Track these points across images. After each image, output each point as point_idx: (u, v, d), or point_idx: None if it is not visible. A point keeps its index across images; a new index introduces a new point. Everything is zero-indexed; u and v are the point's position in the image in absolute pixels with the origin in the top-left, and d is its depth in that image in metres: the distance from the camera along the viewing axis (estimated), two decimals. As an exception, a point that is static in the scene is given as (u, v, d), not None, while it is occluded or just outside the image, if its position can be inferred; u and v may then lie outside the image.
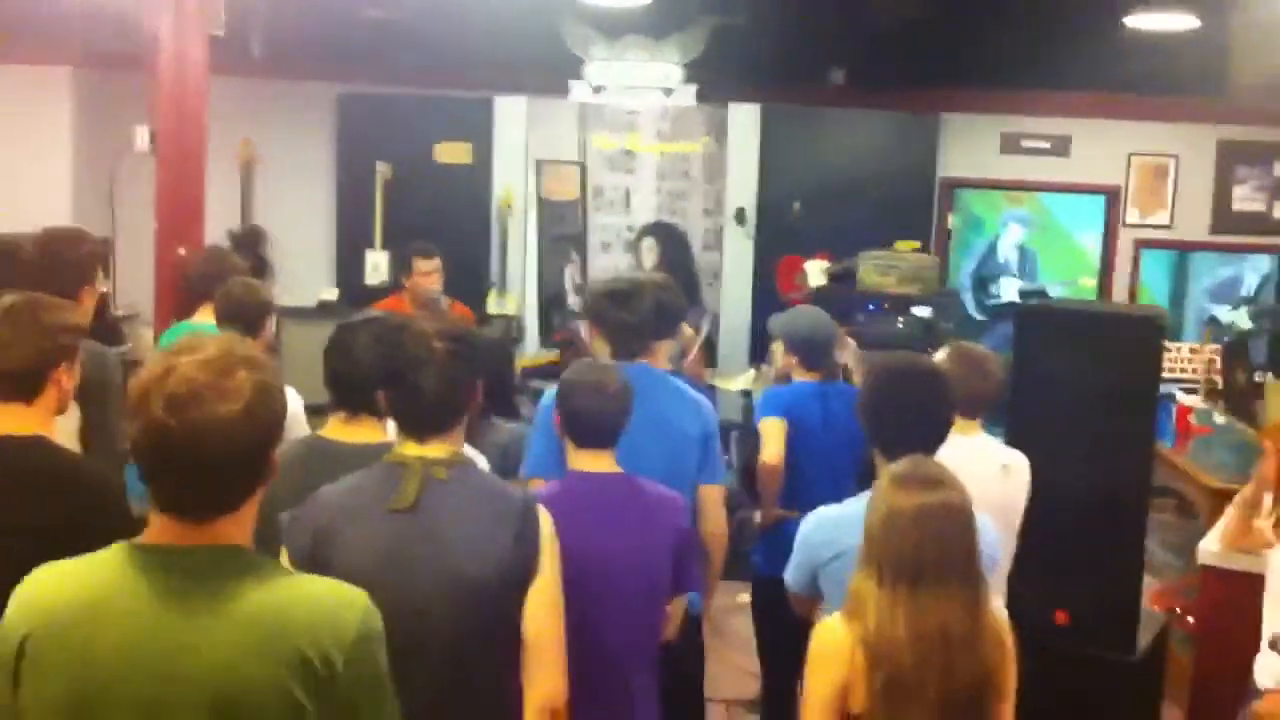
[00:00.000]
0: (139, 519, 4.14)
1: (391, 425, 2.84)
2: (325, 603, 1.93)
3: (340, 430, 3.12)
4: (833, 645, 2.61)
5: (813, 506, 3.35)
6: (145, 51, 5.70)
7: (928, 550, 2.56)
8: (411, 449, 2.66)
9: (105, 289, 4.42)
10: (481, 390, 2.84)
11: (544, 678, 2.60)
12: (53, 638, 1.87)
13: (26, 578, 1.96)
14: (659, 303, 4.23)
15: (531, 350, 8.88)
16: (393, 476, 2.60)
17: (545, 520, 2.66)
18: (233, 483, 1.92)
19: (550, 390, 3.75)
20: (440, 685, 2.52)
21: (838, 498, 3.29)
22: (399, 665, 2.43)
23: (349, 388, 3.11)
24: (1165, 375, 8.49)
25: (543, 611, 2.60)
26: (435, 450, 2.64)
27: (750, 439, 7.17)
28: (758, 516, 4.81)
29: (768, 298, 8.48)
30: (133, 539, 1.95)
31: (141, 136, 5.82)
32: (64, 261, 4.22)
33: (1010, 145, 8.96)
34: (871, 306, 7.82)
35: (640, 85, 8.26)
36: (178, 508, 1.91)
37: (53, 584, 1.93)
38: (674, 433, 3.94)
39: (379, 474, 2.63)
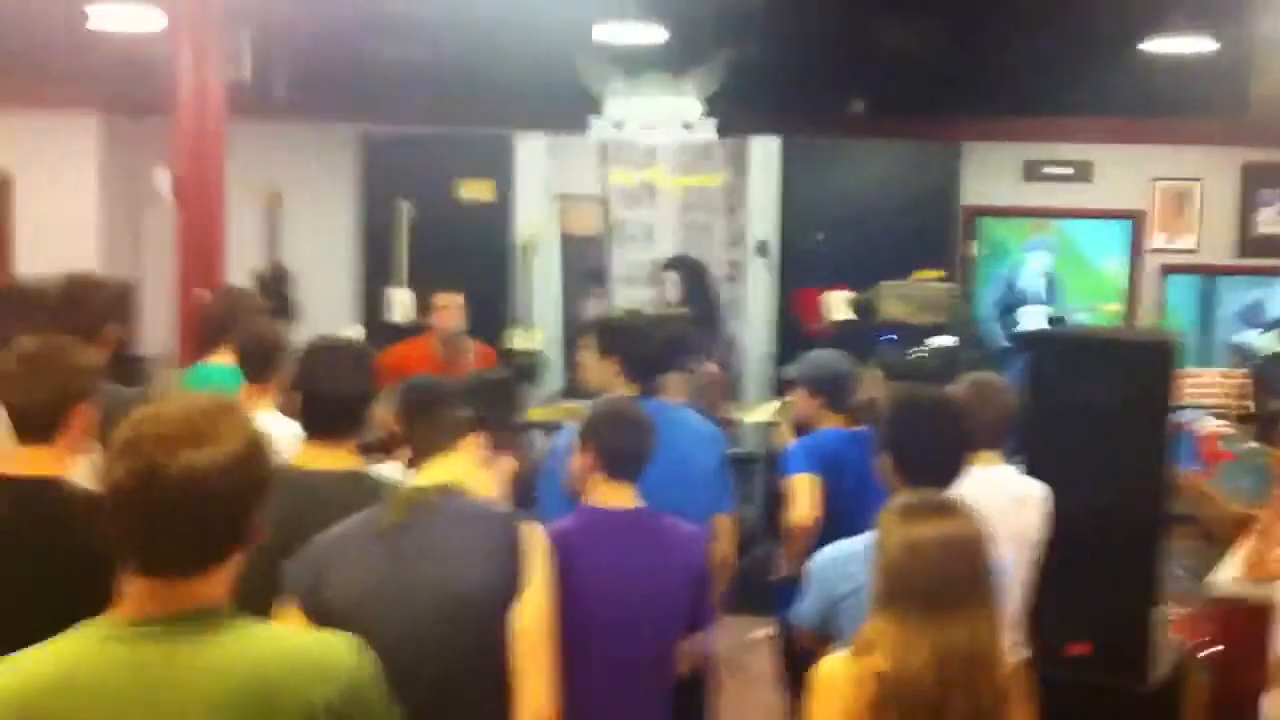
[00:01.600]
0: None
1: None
2: (311, 655, 1.91)
3: (315, 458, 3.11)
4: (835, 681, 2.59)
5: None
6: (168, 96, 5.79)
7: (953, 574, 2.55)
8: (424, 478, 2.75)
9: (124, 332, 4.47)
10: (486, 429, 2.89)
11: (531, 698, 2.61)
12: None
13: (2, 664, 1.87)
14: (671, 337, 4.26)
15: (554, 387, 8.90)
16: (381, 504, 2.68)
17: (536, 536, 2.70)
18: (217, 531, 1.87)
19: (561, 434, 3.79)
20: (436, 701, 2.54)
21: None
22: (394, 683, 2.50)
23: (325, 410, 3.11)
24: (1194, 401, 8.49)
25: (531, 631, 2.62)
26: (437, 476, 2.72)
27: (772, 474, 7.14)
28: (780, 568, 4.68)
29: (790, 329, 8.49)
30: (107, 614, 1.89)
31: (163, 180, 5.90)
32: (85, 305, 4.28)
33: (1032, 172, 8.94)
34: (893, 337, 7.79)
35: (659, 120, 8.30)
36: (157, 563, 1.84)
37: (31, 672, 1.84)
38: (693, 467, 3.95)
39: (376, 508, 2.70)
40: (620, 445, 3.35)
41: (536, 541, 2.70)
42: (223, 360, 4.78)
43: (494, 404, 3.98)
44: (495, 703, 2.60)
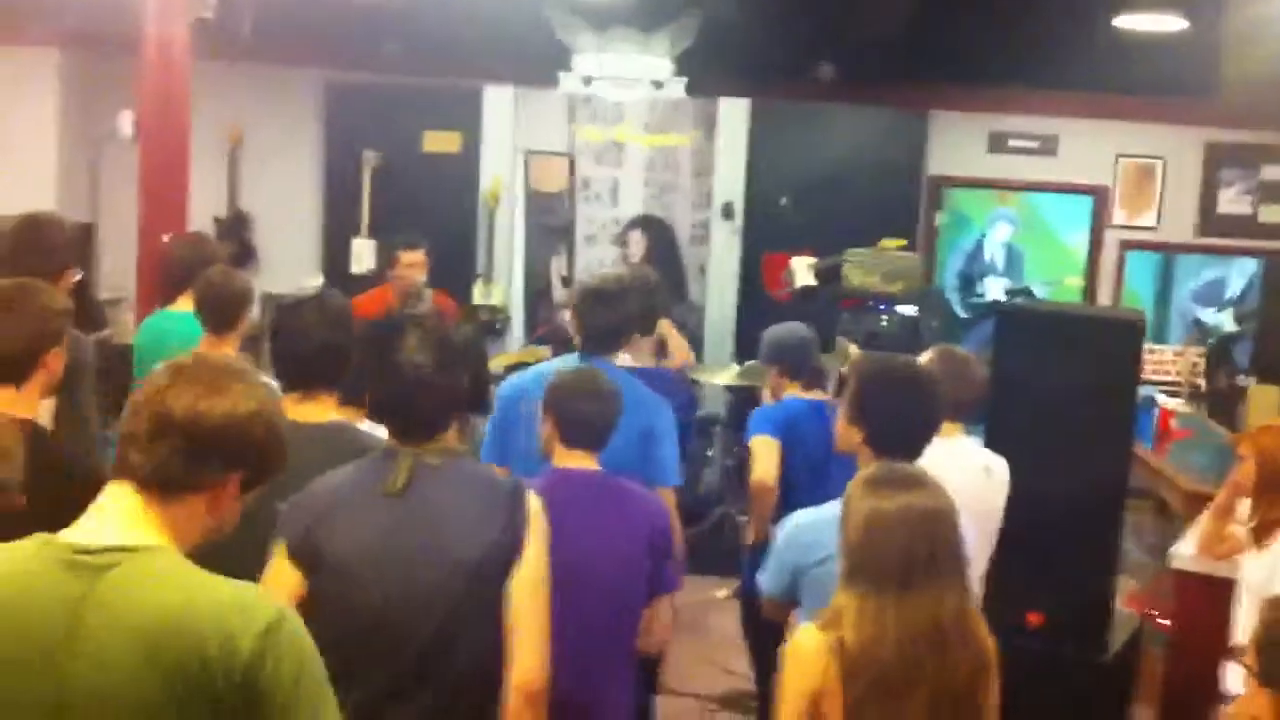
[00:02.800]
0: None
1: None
2: (232, 608, 1.86)
3: (295, 411, 3.04)
4: (806, 654, 2.59)
5: None
6: (131, 34, 5.68)
7: (919, 548, 2.55)
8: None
9: (82, 274, 4.40)
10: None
11: (524, 658, 2.62)
12: None
13: None
14: (643, 304, 4.27)
15: (517, 343, 8.88)
16: (385, 465, 2.65)
17: (534, 502, 2.70)
18: (208, 461, 1.93)
19: (508, 383, 3.80)
20: (430, 662, 2.57)
21: None
22: (391, 645, 2.54)
23: (300, 366, 3.10)
24: (1148, 377, 8.59)
25: (526, 593, 2.62)
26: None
27: (733, 436, 7.17)
28: (747, 533, 4.73)
29: (753, 292, 8.50)
30: (51, 534, 1.91)
31: (126, 121, 5.79)
32: (43, 247, 4.21)
33: (998, 144, 8.97)
34: (854, 304, 7.82)
35: (629, 77, 8.25)
36: (140, 471, 1.91)
37: None
38: (635, 430, 3.95)
39: (372, 463, 2.68)
40: (583, 417, 3.38)
41: (536, 508, 2.69)
42: (184, 308, 4.72)
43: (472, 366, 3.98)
44: (489, 666, 2.61)
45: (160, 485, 1.91)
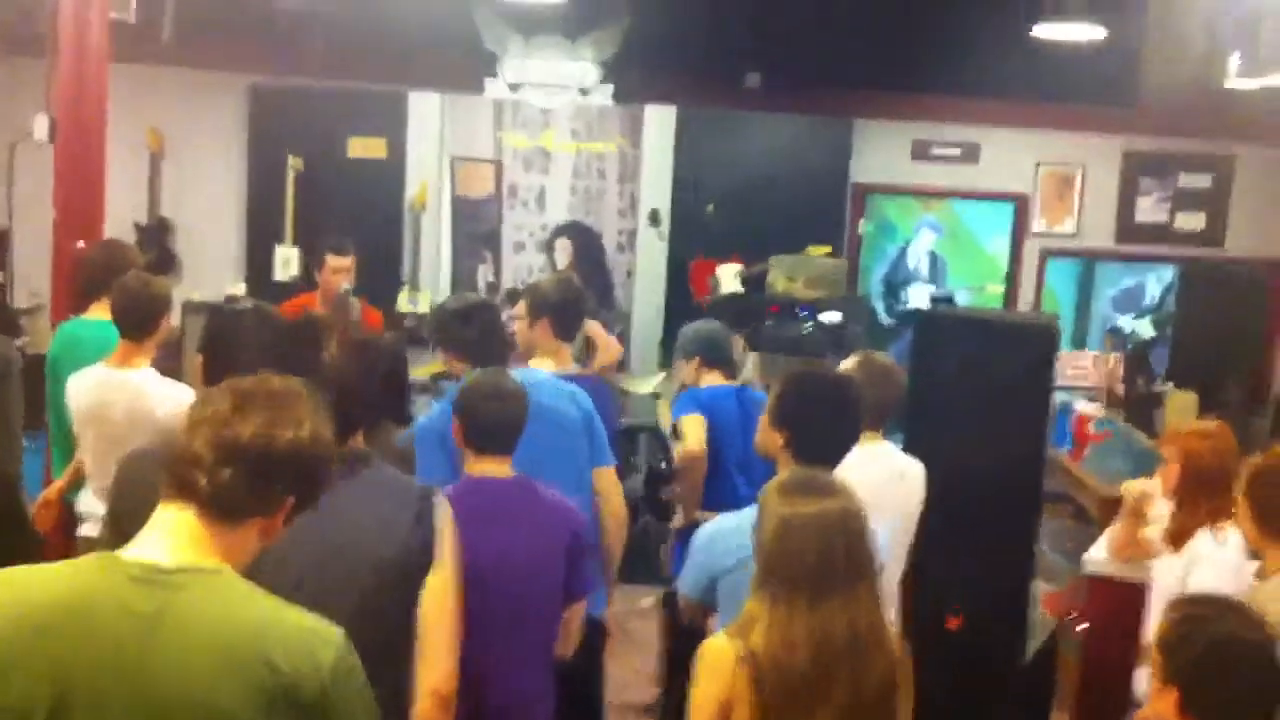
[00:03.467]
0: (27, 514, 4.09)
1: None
2: (302, 633, 1.93)
3: None
4: (717, 661, 2.59)
5: (735, 508, 3.32)
6: (47, 34, 5.60)
7: (833, 555, 2.56)
8: None
9: None
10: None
11: (435, 662, 2.62)
12: (26, 647, 1.82)
13: None
14: (566, 303, 4.32)
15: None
16: None
17: (444, 508, 2.69)
18: (272, 487, 1.96)
19: (434, 408, 3.79)
20: None
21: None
22: None
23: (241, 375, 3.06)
24: (1067, 383, 8.71)
25: (437, 598, 2.62)
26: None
27: (657, 442, 7.20)
28: (677, 518, 4.81)
29: (680, 300, 8.51)
30: (113, 550, 1.92)
31: (41, 124, 5.69)
32: None
33: (921, 151, 9.06)
34: (779, 311, 7.87)
35: (556, 84, 8.25)
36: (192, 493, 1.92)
37: (26, 589, 1.88)
38: (557, 422, 3.96)
39: None
40: (487, 420, 3.36)
41: (445, 513, 2.68)
42: (100, 315, 4.64)
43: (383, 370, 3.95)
44: (400, 673, 2.59)
45: (223, 510, 1.93)
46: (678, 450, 4.84)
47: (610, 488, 4.11)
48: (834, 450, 3.15)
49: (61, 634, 1.83)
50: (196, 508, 1.92)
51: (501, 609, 3.23)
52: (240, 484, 1.92)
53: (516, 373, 3.98)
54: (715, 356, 4.96)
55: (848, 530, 2.60)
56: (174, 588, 1.87)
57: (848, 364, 4.03)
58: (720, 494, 4.48)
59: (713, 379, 4.92)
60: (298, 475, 1.97)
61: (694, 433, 4.67)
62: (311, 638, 1.92)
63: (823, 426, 3.20)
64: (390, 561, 2.57)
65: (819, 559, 2.56)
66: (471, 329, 4.08)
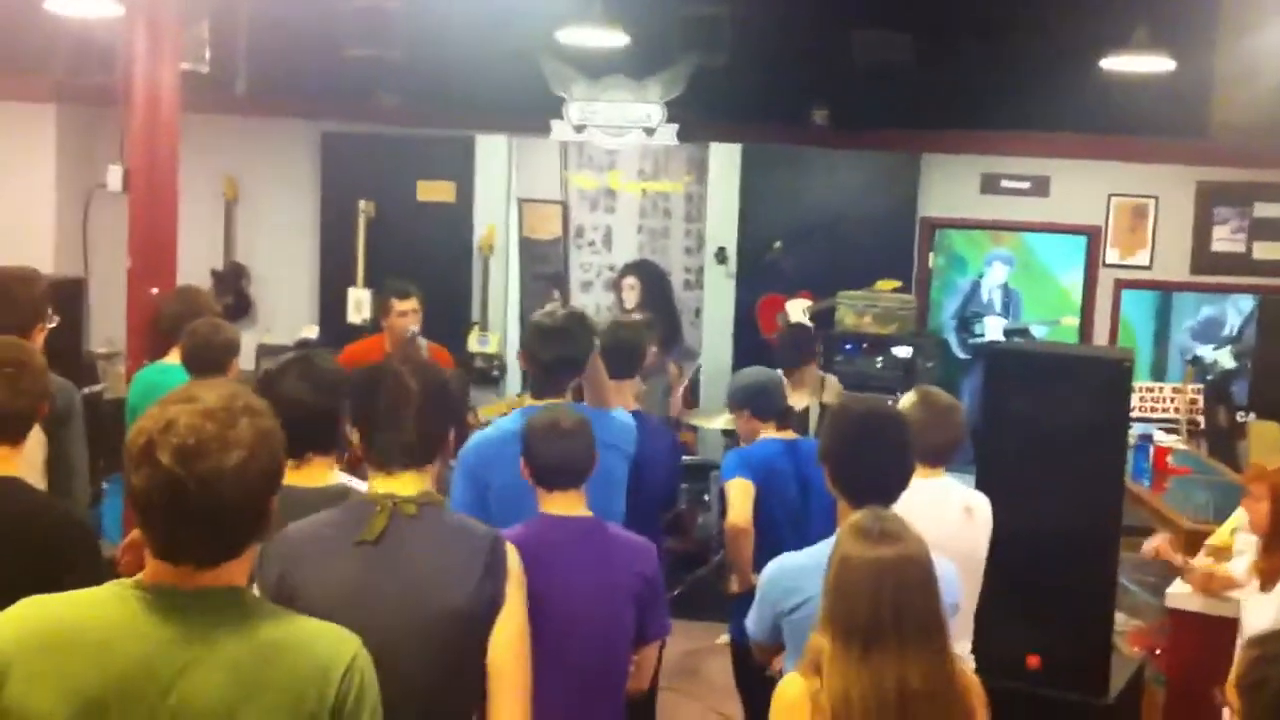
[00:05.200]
0: (109, 560, 4.17)
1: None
2: (319, 645, 1.96)
3: (291, 477, 3.06)
4: (791, 702, 2.55)
5: None
6: (121, 88, 5.72)
7: (884, 608, 2.50)
8: (381, 485, 2.67)
9: (56, 324, 4.42)
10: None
11: (507, 708, 2.59)
12: (44, 670, 1.86)
13: (10, 609, 1.95)
14: (618, 341, 4.26)
15: (513, 389, 8.88)
16: (362, 513, 2.62)
17: (512, 555, 2.67)
18: (239, 530, 1.94)
19: (474, 438, 3.76)
20: (406, 717, 2.49)
21: None
22: None
23: (289, 431, 3.06)
24: (1147, 415, 8.57)
25: (507, 644, 2.60)
26: (405, 487, 2.65)
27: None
28: (731, 584, 4.66)
29: (749, 337, 8.49)
30: (133, 578, 1.96)
31: (115, 175, 5.80)
32: (17, 300, 4.22)
33: (990, 185, 8.98)
34: (849, 347, 7.82)
35: (621, 124, 8.30)
36: (181, 556, 1.91)
37: (45, 615, 1.92)
38: (604, 455, 3.94)
39: (349, 511, 2.66)
40: (548, 457, 3.31)
41: (515, 560, 2.66)
42: (175, 360, 4.72)
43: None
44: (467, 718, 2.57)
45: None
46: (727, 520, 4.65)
47: None
48: (879, 486, 3.05)
49: (84, 657, 1.86)
50: None
51: (571, 650, 3.21)
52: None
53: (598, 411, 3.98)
54: (765, 407, 4.78)
55: (904, 580, 2.53)
56: (192, 611, 1.91)
57: (905, 400, 3.96)
58: (776, 553, 4.37)
59: (766, 431, 4.77)
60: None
61: (739, 503, 4.52)
62: (330, 647, 1.96)
63: (862, 462, 3.13)
64: (460, 611, 2.55)
65: (871, 610, 2.51)
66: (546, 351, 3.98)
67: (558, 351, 3.89)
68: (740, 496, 4.53)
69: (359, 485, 3.04)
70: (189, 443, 1.86)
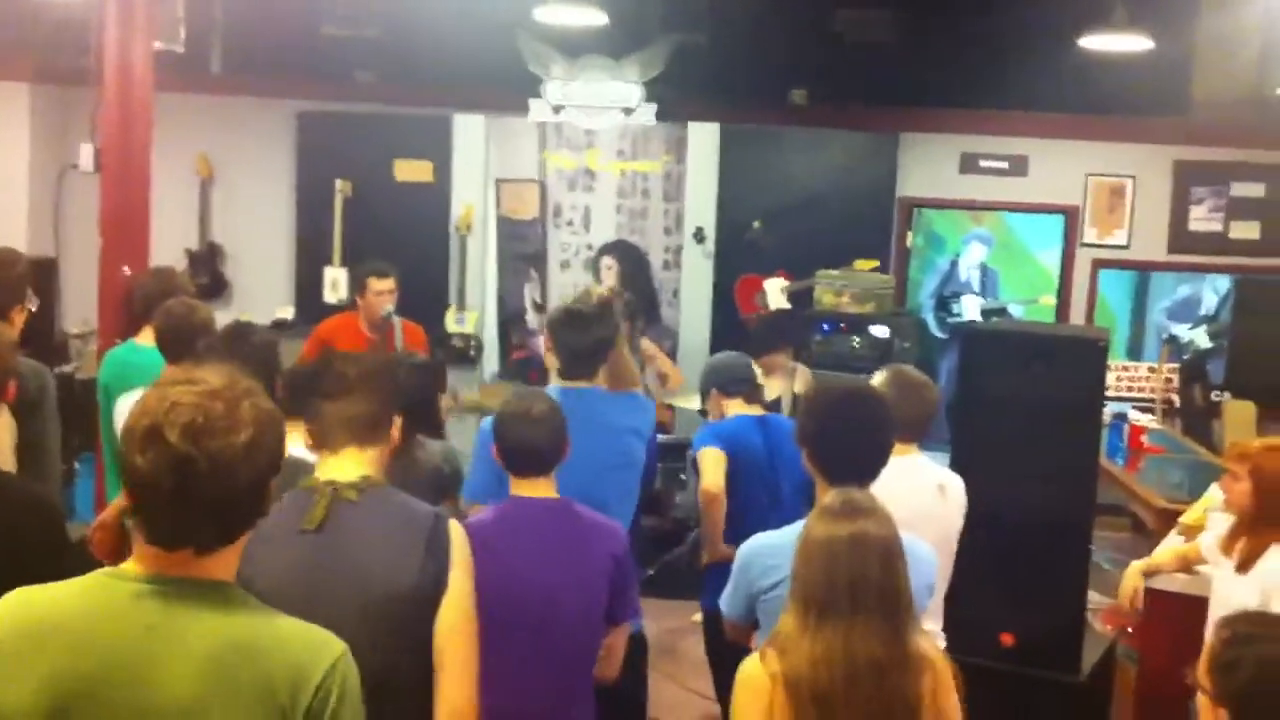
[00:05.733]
0: (78, 542, 4.15)
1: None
2: (297, 647, 1.93)
3: None
4: (752, 681, 2.57)
5: None
6: (92, 66, 5.67)
7: (838, 582, 2.52)
8: (325, 468, 2.68)
9: (36, 306, 4.39)
10: (403, 415, 2.85)
11: (453, 688, 2.59)
12: (24, 662, 1.84)
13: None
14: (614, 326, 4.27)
15: (490, 368, 8.87)
16: (305, 501, 2.63)
17: (456, 533, 2.67)
18: (243, 512, 1.92)
19: (489, 418, 3.75)
20: None
21: None
22: None
23: None
24: (1123, 394, 8.61)
25: (452, 625, 2.59)
26: (346, 472, 2.67)
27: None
28: (703, 555, 4.70)
29: (727, 316, 8.50)
30: (118, 566, 1.94)
31: (87, 154, 5.76)
32: None
33: (969, 165, 8.98)
34: (826, 326, 7.82)
35: (599, 104, 8.27)
36: (181, 541, 1.88)
37: (27, 607, 1.90)
38: (618, 433, 3.99)
39: (293, 500, 2.65)
40: (518, 443, 3.32)
41: (458, 538, 2.66)
42: (148, 340, 4.69)
43: (416, 389, 3.96)
44: (420, 700, 2.57)
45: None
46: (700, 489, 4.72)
47: None
48: (858, 466, 3.07)
49: (62, 645, 1.84)
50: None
51: (542, 632, 3.20)
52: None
53: (594, 391, 4.00)
54: (732, 385, 4.85)
55: (862, 555, 2.54)
56: (170, 599, 1.88)
57: (878, 378, 3.96)
58: (748, 525, 4.38)
59: (735, 407, 4.82)
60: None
61: (711, 470, 4.59)
62: (309, 650, 1.93)
63: (842, 442, 3.14)
64: (404, 593, 2.55)
65: (828, 583, 2.53)
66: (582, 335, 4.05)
67: (596, 335, 4.00)
68: (712, 464, 4.59)
69: (308, 457, 3.04)
70: (198, 420, 1.83)
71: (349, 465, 2.68)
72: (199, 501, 1.84)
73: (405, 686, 2.56)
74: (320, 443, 2.72)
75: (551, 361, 4.19)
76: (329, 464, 2.69)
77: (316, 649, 1.93)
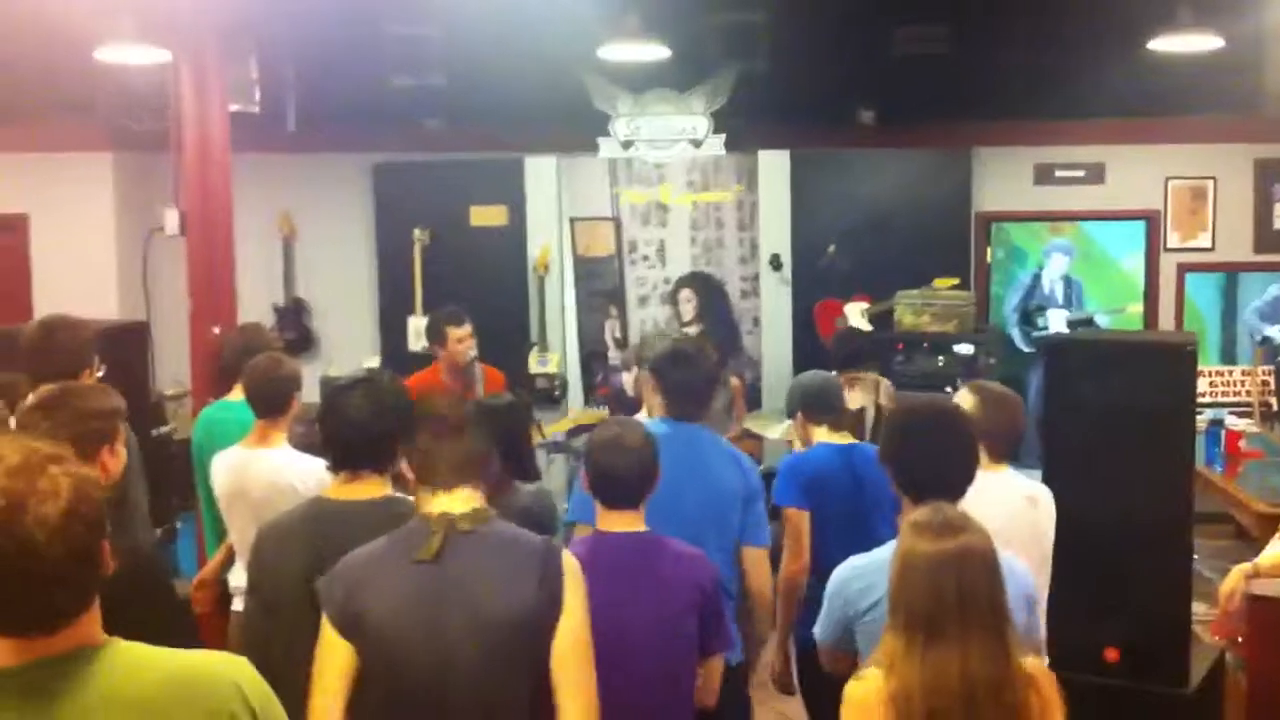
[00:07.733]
0: (183, 599, 4.22)
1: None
2: (196, 675, 1.86)
3: (343, 490, 3.17)
4: (860, 700, 2.54)
5: None
6: (173, 132, 5.81)
7: (946, 600, 2.49)
8: (435, 505, 2.73)
9: (103, 372, 4.48)
10: (497, 455, 2.90)
11: (575, 709, 2.62)
12: None
13: None
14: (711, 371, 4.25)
15: (576, 407, 8.90)
16: (418, 533, 2.69)
17: (569, 563, 2.70)
18: (67, 588, 1.76)
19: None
20: None
21: None
22: (438, 711, 2.58)
23: (347, 447, 3.17)
24: (1218, 399, 8.43)
25: (570, 650, 2.63)
26: (457, 505, 2.71)
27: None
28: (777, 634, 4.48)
29: (808, 342, 8.46)
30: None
31: (171, 218, 5.91)
32: (62, 347, 4.29)
33: (1044, 175, 8.89)
34: (910, 347, 7.77)
35: (668, 137, 8.31)
36: (16, 629, 1.76)
37: None
38: (717, 490, 3.91)
39: (406, 532, 2.72)
40: (608, 472, 3.31)
41: (571, 566, 2.70)
42: (240, 397, 4.77)
43: (501, 430, 3.99)
44: None
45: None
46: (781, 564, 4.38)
47: (755, 567, 3.94)
48: (942, 483, 3.02)
49: None
50: None
51: (629, 666, 3.18)
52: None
53: (701, 432, 3.98)
54: (819, 409, 4.68)
55: (967, 572, 2.51)
56: (29, 689, 1.76)
57: (961, 395, 3.92)
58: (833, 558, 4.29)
59: (821, 435, 4.67)
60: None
61: (794, 546, 4.35)
62: (218, 678, 1.86)
63: (923, 460, 3.09)
64: (518, 619, 2.59)
65: (932, 600, 2.49)
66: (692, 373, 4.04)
67: (707, 373, 4.05)
68: (795, 533, 4.37)
69: (405, 499, 3.10)
70: None
71: (458, 501, 2.73)
72: (11, 585, 1.71)
73: (518, 710, 2.61)
74: (426, 480, 2.77)
75: (654, 401, 4.18)
76: (440, 500, 2.74)
77: (227, 673, 1.87)
